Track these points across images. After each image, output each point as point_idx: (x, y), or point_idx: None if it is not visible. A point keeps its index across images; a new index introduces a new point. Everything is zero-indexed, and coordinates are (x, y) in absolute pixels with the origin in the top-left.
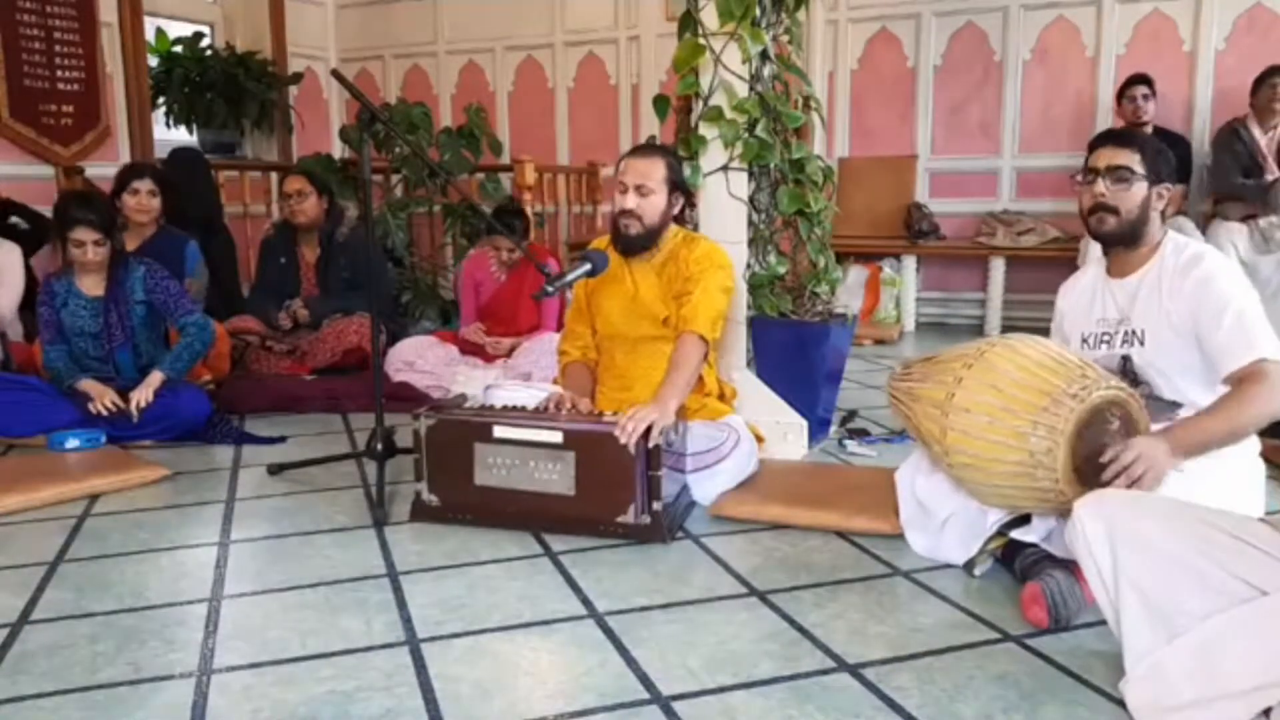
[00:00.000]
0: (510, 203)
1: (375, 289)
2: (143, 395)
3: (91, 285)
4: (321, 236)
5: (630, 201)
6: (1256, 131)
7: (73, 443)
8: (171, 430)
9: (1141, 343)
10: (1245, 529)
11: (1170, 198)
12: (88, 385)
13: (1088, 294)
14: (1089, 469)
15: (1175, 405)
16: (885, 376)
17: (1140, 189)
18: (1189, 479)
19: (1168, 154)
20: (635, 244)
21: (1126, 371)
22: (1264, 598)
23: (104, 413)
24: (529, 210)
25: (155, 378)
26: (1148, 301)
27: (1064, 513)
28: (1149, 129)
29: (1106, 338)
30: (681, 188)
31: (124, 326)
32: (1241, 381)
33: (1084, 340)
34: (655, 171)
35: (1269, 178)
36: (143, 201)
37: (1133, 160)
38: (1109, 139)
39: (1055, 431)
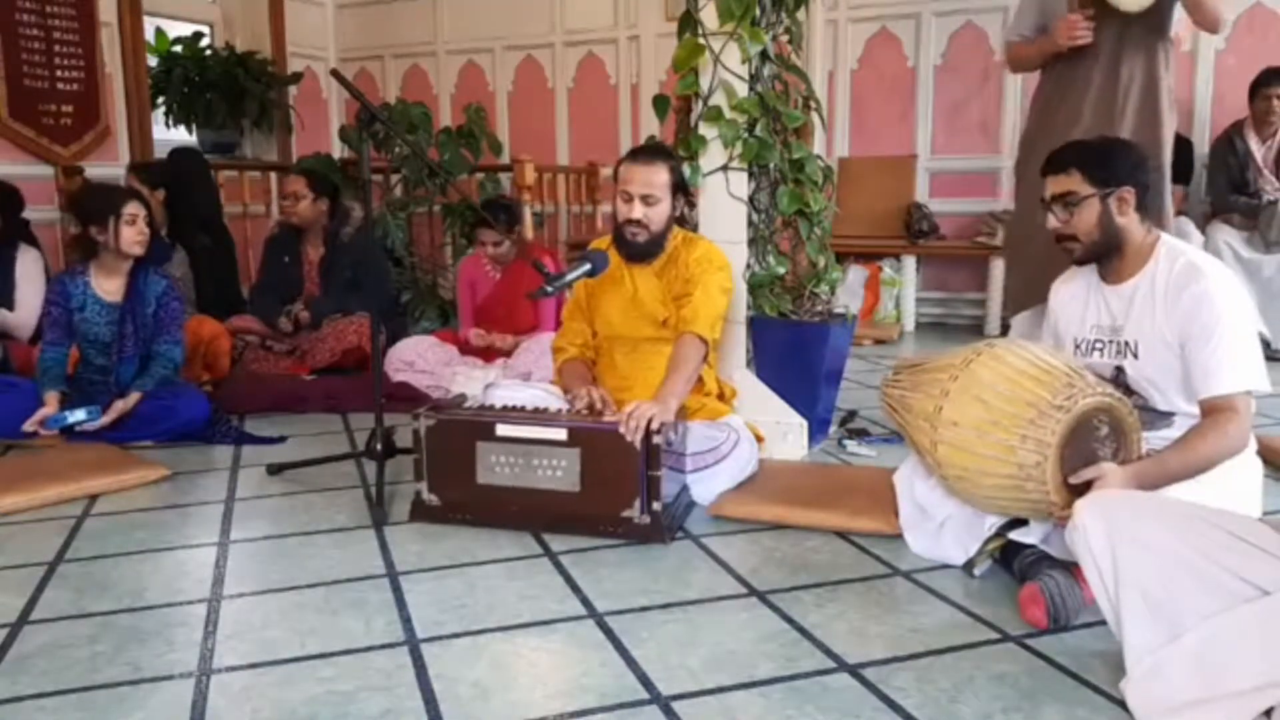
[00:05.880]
0: (496, 198)
1: (375, 289)
2: (113, 416)
3: (111, 290)
4: (327, 236)
5: (636, 212)
6: (1253, 142)
7: (76, 416)
8: (171, 431)
9: (1135, 355)
10: (1245, 528)
11: (1175, 195)
12: (47, 399)
13: (1081, 298)
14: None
15: (1168, 415)
16: (885, 377)
17: (1090, 208)
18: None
19: (1114, 155)
20: (642, 252)
21: (1119, 383)
22: (1265, 597)
23: (37, 431)
24: (528, 210)
25: (133, 398)
26: (1142, 314)
27: (1059, 521)
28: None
29: (1100, 345)
30: (683, 189)
31: (138, 338)
32: (1209, 414)
33: (1077, 345)
34: (659, 179)
35: (1264, 194)
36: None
37: (1072, 182)
38: (1048, 166)
39: (1043, 445)
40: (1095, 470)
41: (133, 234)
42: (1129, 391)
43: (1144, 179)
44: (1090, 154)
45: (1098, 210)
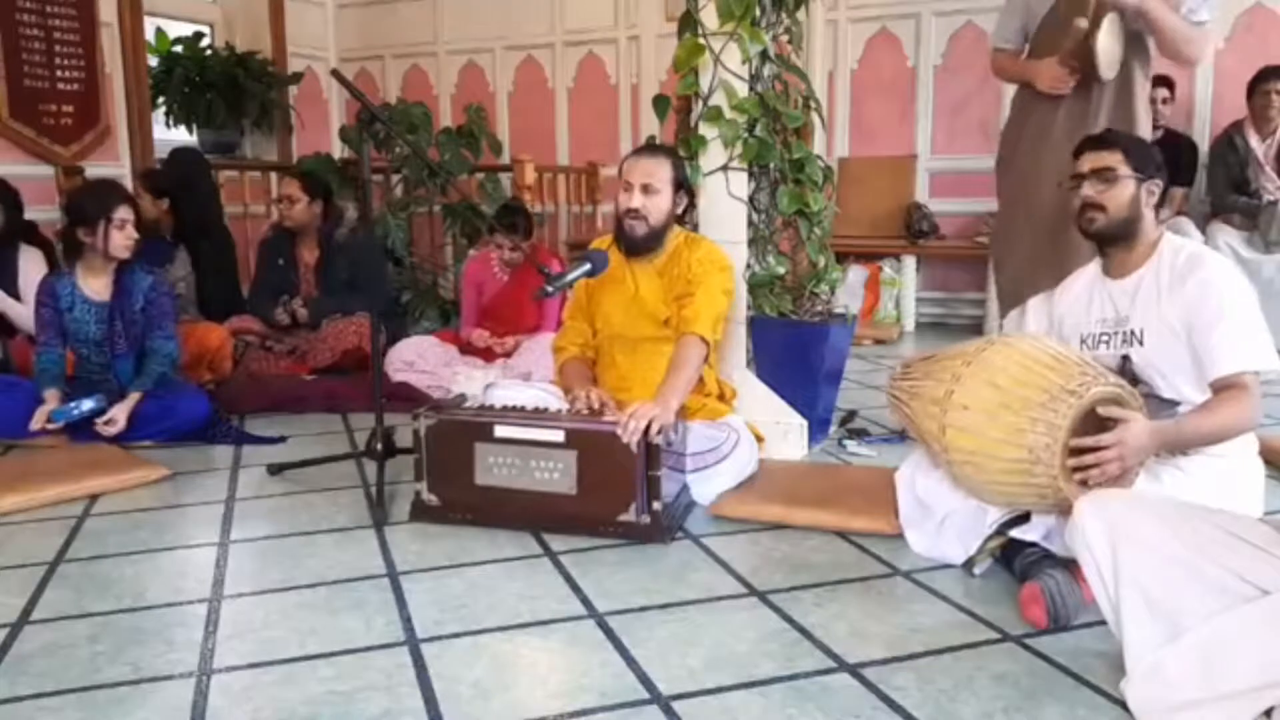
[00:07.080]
0: (512, 201)
1: (375, 289)
2: (121, 419)
3: (98, 289)
4: (321, 238)
5: (636, 200)
6: (1254, 140)
7: (82, 407)
8: (171, 430)
9: (1140, 343)
10: (1246, 528)
11: (1176, 196)
12: (47, 396)
13: (1085, 295)
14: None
15: (1173, 404)
16: (885, 376)
17: (1127, 186)
18: (1189, 479)
19: (1151, 150)
20: (640, 244)
21: (1125, 371)
22: (1266, 597)
23: (43, 427)
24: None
25: (133, 399)
26: (1146, 302)
27: (1063, 510)
28: (1159, 132)
29: (1106, 338)
30: (685, 188)
31: (129, 335)
32: (1222, 391)
33: (1084, 341)
34: (661, 170)
35: (1265, 194)
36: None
37: (1114, 159)
38: (1091, 143)
39: (1054, 428)
40: (1122, 412)
41: (121, 239)
42: (1135, 381)
43: (1165, 180)
44: (1133, 142)
45: (1132, 191)
